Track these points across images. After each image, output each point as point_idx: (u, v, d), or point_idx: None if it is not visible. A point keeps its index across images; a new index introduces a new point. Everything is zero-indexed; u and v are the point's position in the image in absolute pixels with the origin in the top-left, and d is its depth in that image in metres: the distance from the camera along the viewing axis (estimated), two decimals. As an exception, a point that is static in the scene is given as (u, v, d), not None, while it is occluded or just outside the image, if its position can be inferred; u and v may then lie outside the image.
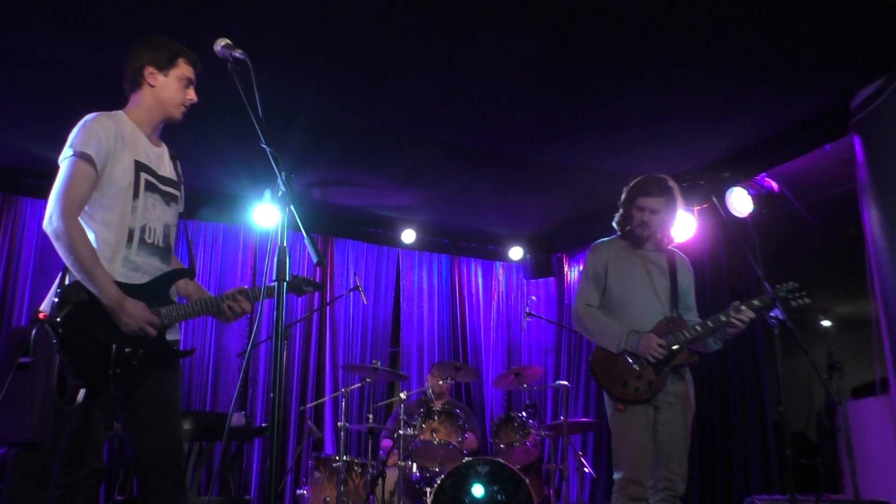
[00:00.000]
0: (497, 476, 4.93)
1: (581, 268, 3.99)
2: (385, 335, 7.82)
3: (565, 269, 8.25)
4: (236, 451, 6.12)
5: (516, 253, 8.18)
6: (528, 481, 4.94)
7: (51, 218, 2.55)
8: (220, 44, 2.60)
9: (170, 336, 2.77)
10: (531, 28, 4.30)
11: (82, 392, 2.51)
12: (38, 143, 5.82)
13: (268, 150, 2.43)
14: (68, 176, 2.60)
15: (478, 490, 4.89)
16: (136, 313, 2.59)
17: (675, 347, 3.54)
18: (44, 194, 6.35)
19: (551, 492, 5.54)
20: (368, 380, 5.82)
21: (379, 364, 5.55)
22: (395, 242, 7.78)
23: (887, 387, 4.67)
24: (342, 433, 5.37)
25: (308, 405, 6.98)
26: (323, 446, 6.95)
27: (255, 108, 2.52)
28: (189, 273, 2.89)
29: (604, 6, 4.07)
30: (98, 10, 4.19)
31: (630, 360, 3.56)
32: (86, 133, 2.67)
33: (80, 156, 2.61)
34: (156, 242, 2.78)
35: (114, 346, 2.57)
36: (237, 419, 5.65)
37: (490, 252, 8.40)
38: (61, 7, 4.17)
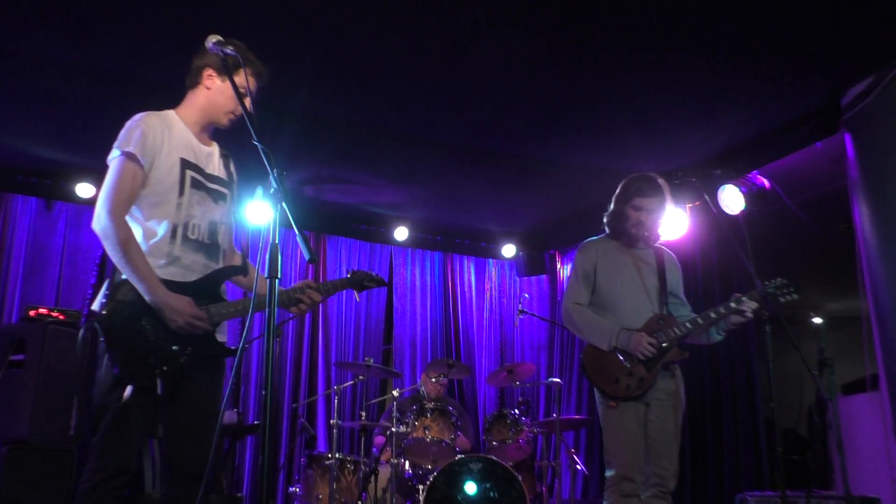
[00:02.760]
0: (490, 473, 4.93)
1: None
2: (378, 332, 7.82)
3: (558, 266, 8.26)
4: (228, 449, 6.11)
5: (509, 250, 8.18)
6: (520, 478, 4.94)
7: (98, 217, 2.59)
8: (212, 40, 2.61)
9: (219, 337, 2.77)
10: (524, 25, 4.30)
11: (129, 389, 2.53)
12: (28, 141, 5.80)
13: (260, 147, 2.43)
14: (113, 175, 2.64)
15: (470, 487, 4.90)
16: (180, 308, 2.58)
17: (665, 345, 3.55)
18: (34, 192, 6.42)
19: (544, 489, 5.55)
20: (361, 377, 5.83)
21: (371, 361, 5.55)
22: (388, 240, 7.77)
23: (878, 383, 4.69)
24: (335, 430, 5.37)
25: (300, 402, 6.97)
26: (315, 444, 6.95)
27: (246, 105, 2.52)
28: (240, 270, 2.91)
29: (597, 4, 4.07)
30: (89, 8, 4.18)
31: (621, 358, 3.57)
32: (129, 132, 2.70)
33: (125, 155, 2.65)
34: (200, 238, 2.79)
35: (160, 343, 2.58)
36: (229, 417, 5.64)
37: (483, 249, 8.40)
38: (53, 4, 4.15)
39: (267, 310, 2.07)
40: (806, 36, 4.32)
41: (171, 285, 2.63)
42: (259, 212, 6.70)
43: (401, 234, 7.60)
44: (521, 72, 4.80)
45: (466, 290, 8.39)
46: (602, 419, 3.65)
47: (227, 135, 5.32)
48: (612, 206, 3.84)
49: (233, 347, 2.85)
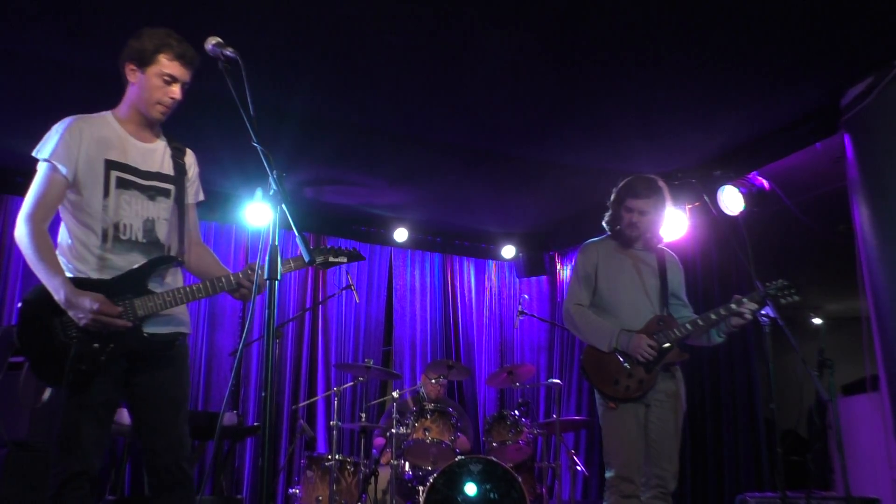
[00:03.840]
0: (490, 474, 4.93)
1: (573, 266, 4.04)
2: (377, 334, 7.82)
3: (558, 267, 8.26)
4: (228, 451, 6.10)
5: (509, 251, 8.18)
6: (520, 480, 4.94)
7: (17, 224, 2.66)
8: (211, 42, 2.60)
9: (153, 329, 2.71)
10: (523, 26, 4.30)
11: (48, 391, 2.52)
12: (27, 142, 5.74)
13: (259, 148, 2.42)
14: (33, 183, 2.70)
15: (470, 489, 4.89)
16: (84, 306, 2.53)
17: (665, 346, 3.55)
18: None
19: (544, 490, 5.54)
20: (361, 378, 5.82)
21: (371, 363, 5.55)
22: (388, 241, 7.77)
23: (878, 384, 4.69)
24: (335, 432, 5.37)
25: (300, 404, 6.97)
26: (315, 445, 6.95)
27: (246, 107, 2.51)
28: (168, 260, 2.82)
29: (596, 4, 4.07)
30: (89, 8, 4.17)
31: (621, 359, 3.57)
32: (48, 139, 2.74)
33: (43, 162, 2.69)
34: (133, 238, 2.74)
35: (78, 341, 2.56)
36: (229, 418, 5.64)
37: (482, 250, 8.40)
38: (53, 5, 4.15)
39: (267, 311, 2.07)
40: (805, 36, 4.32)
41: (85, 283, 2.61)
42: (259, 213, 6.70)
43: (400, 235, 7.60)
44: (520, 72, 4.80)
45: (466, 291, 8.39)
46: (602, 420, 3.65)
47: (226, 136, 5.33)
48: (609, 208, 3.86)
49: (167, 337, 2.75)
